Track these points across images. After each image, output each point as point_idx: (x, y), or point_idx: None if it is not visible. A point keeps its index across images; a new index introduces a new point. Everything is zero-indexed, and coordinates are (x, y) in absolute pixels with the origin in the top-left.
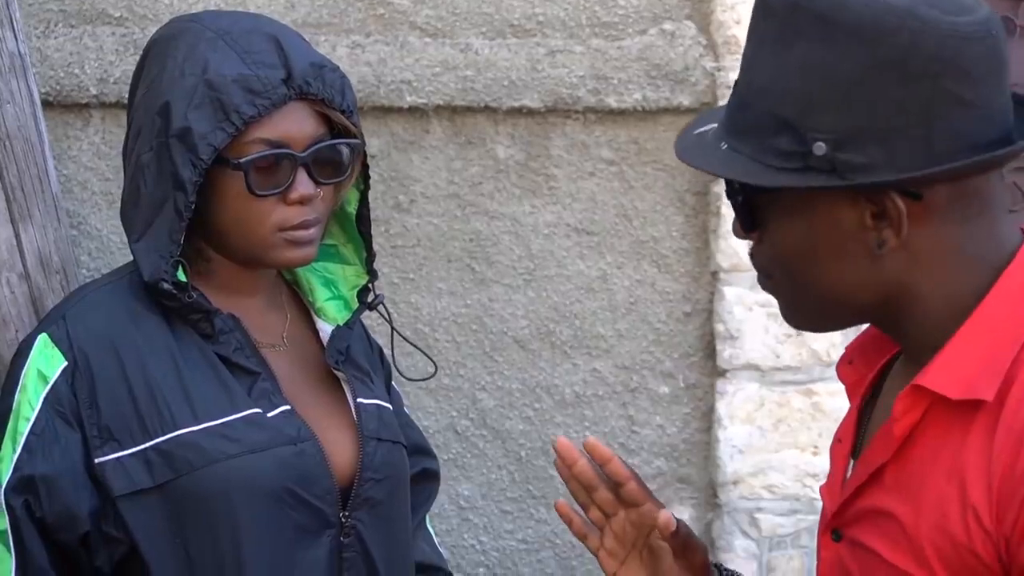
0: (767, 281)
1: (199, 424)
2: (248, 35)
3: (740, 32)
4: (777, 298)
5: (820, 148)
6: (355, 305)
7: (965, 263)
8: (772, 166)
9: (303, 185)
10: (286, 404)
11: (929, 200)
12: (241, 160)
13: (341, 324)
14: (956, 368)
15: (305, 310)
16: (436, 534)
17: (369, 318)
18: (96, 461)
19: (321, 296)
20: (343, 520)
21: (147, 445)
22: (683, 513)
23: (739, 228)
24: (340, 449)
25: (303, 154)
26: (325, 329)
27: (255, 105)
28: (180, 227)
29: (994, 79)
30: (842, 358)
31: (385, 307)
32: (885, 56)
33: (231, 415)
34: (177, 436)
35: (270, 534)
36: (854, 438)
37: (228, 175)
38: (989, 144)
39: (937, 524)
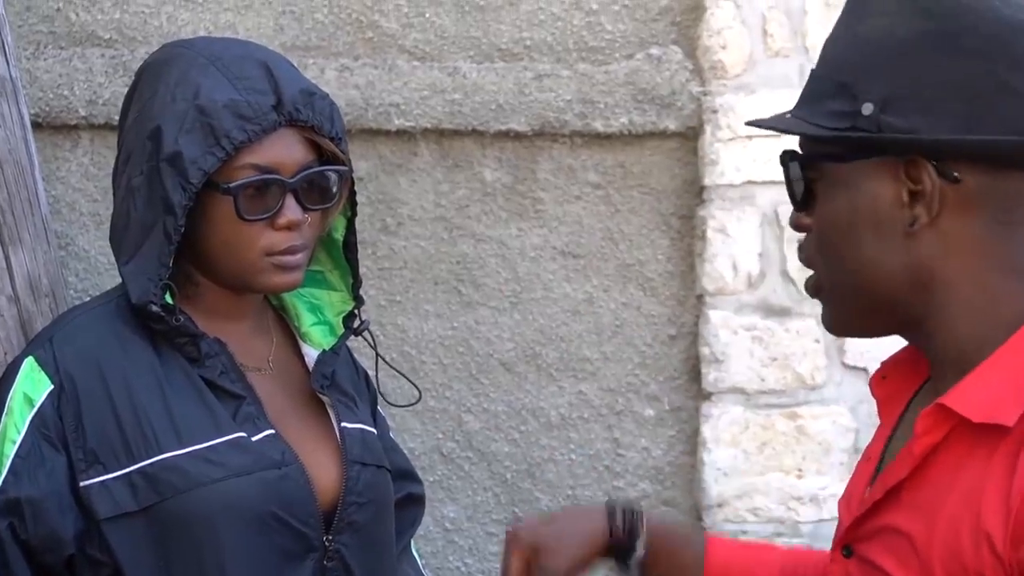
0: (813, 284)
1: (184, 448)
2: (239, 61)
3: (726, 57)
4: (820, 298)
5: (868, 108)
6: (341, 331)
7: (1006, 274)
8: (823, 126)
9: (291, 211)
10: (270, 428)
11: (967, 187)
12: (231, 185)
13: (327, 349)
14: (983, 391)
15: (291, 335)
16: (421, 556)
17: (355, 341)
18: (81, 484)
19: (307, 321)
20: (327, 544)
21: (132, 468)
22: None
23: (794, 217)
24: (324, 473)
25: (292, 180)
26: (311, 354)
27: (245, 130)
28: (169, 250)
29: None
30: (876, 373)
31: (371, 333)
32: (942, 28)
33: (216, 439)
34: (162, 460)
35: (254, 558)
36: (880, 456)
37: (217, 199)
38: None
39: (949, 546)
